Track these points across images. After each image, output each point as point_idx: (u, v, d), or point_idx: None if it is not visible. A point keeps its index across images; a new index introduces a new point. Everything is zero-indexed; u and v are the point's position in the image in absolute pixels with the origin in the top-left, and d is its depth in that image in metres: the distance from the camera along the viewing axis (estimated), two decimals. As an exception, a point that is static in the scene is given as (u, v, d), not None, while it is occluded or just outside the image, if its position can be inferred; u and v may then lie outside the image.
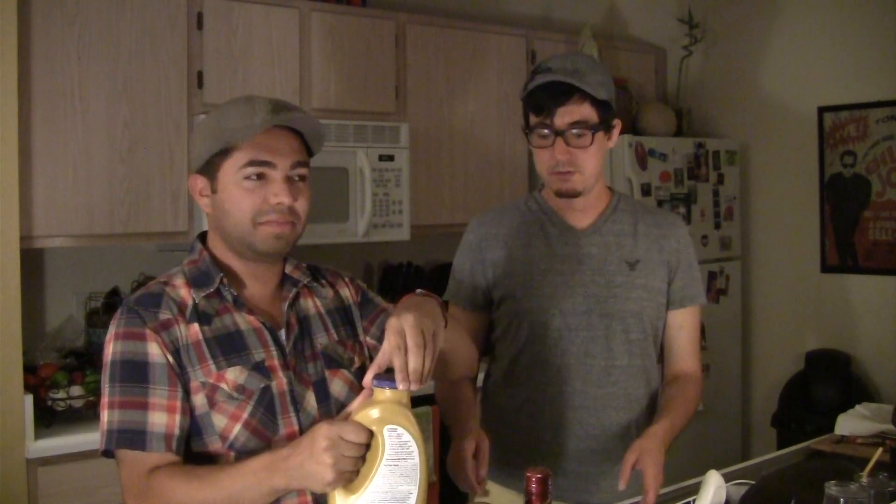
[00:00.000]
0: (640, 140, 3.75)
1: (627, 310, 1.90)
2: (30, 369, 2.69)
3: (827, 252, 3.97)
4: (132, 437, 1.36)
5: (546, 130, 1.85)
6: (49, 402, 2.67)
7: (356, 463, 1.25)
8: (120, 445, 1.37)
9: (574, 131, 1.82)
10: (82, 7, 2.78)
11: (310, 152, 1.54)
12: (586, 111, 1.83)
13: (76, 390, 2.70)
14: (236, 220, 1.45)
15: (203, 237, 1.56)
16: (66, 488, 2.52)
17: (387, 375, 1.27)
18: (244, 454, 1.38)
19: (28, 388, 2.59)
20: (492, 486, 1.92)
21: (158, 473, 1.34)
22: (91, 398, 2.67)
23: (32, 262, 2.98)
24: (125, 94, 2.86)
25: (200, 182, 1.49)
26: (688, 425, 1.90)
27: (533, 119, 1.87)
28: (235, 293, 1.48)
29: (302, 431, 1.43)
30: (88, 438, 2.52)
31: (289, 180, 1.46)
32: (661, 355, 2.02)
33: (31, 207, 2.68)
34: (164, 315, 1.42)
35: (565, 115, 1.82)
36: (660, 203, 3.78)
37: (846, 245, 3.91)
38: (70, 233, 2.78)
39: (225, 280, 1.47)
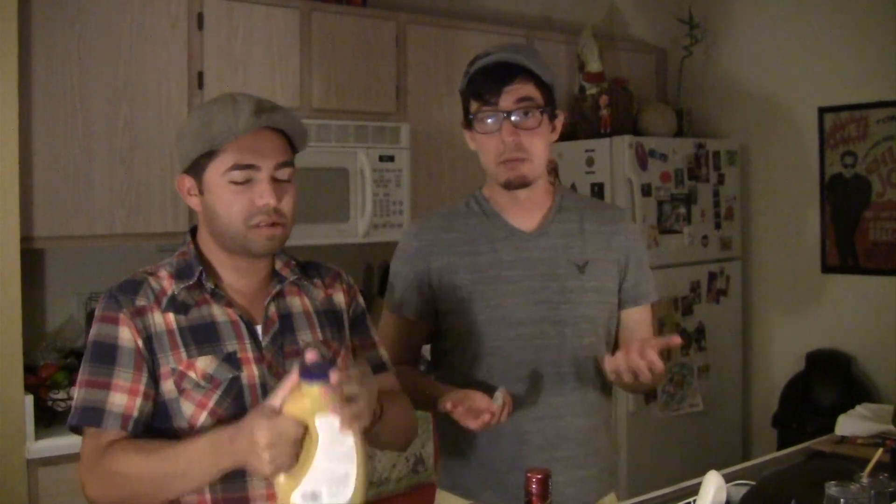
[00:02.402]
0: (640, 140, 3.74)
1: (580, 315, 1.83)
2: (30, 369, 2.69)
3: (827, 252, 3.96)
4: (92, 415, 1.42)
5: (491, 115, 1.77)
6: (49, 403, 2.67)
7: (293, 454, 1.29)
8: (81, 422, 1.43)
9: (520, 113, 1.76)
10: (83, 7, 2.78)
11: (294, 150, 1.54)
12: (532, 90, 1.76)
13: (76, 390, 2.70)
14: (227, 221, 1.48)
15: (194, 230, 1.59)
16: (67, 488, 2.51)
17: (314, 369, 1.29)
18: None
19: (28, 388, 2.59)
20: (451, 500, 1.90)
21: (112, 447, 1.39)
22: (91, 398, 2.66)
23: (32, 262, 2.98)
24: (125, 94, 2.86)
25: (188, 182, 1.52)
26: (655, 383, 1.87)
27: (475, 106, 1.79)
28: (214, 286, 1.51)
29: None
30: (88, 439, 2.51)
31: (274, 181, 1.47)
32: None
33: (31, 207, 2.68)
34: (141, 302, 1.47)
35: (511, 94, 1.75)
36: (660, 204, 3.78)
37: (847, 245, 3.90)
38: (70, 233, 2.78)
39: (204, 273, 1.51)
